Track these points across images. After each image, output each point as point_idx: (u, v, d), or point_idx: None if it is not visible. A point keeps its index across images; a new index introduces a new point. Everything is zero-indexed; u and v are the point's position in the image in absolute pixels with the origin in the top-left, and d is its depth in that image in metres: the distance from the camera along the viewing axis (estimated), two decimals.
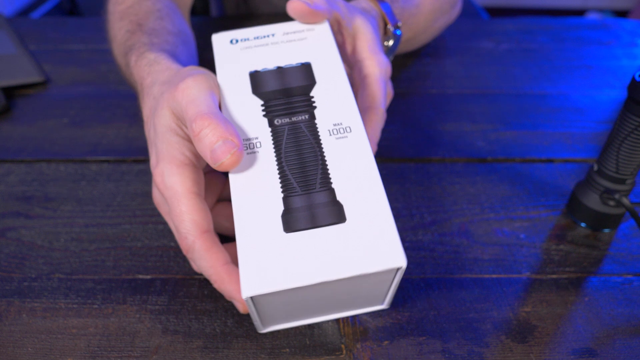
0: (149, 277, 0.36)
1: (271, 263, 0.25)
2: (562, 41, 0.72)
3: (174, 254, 0.38)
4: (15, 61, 0.62)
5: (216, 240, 0.31)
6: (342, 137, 0.29)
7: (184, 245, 0.31)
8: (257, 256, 0.25)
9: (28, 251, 0.38)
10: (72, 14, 2.00)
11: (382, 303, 0.31)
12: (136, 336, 0.32)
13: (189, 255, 0.31)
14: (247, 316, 0.34)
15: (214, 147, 0.27)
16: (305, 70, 0.32)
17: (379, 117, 0.35)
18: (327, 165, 0.28)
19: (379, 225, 0.26)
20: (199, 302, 0.35)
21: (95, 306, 0.34)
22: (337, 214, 0.26)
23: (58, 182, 0.45)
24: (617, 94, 0.60)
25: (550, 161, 0.49)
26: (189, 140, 0.32)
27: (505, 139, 0.52)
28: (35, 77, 0.59)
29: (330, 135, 0.29)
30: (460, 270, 0.37)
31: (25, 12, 1.80)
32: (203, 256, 0.30)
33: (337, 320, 0.34)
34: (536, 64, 0.66)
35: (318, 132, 0.29)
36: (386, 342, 0.32)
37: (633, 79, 0.35)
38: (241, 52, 0.34)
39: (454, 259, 0.38)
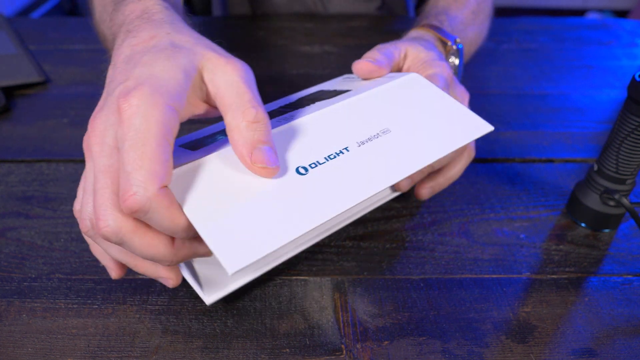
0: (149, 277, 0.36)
1: None
2: (562, 41, 0.72)
3: None
4: (15, 61, 0.62)
5: (174, 198, 0.25)
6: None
7: (130, 201, 0.22)
8: None
9: (28, 251, 0.38)
10: (72, 14, 2.00)
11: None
12: (136, 336, 0.32)
13: (137, 215, 0.23)
14: (247, 316, 0.34)
15: (262, 147, 0.25)
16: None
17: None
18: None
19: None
20: (199, 302, 0.35)
21: (95, 306, 0.34)
22: None
23: (58, 182, 0.45)
24: (617, 94, 0.60)
25: (550, 161, 0.49)
26: (191, 84, 0.26)
27: (505, 139, 0.52)
28: (35, 77, 0.59)
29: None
30: (460, 270, 0.37)
31: (25, 12, 1.81)
32: (163, 213, 0.24)
33: (337, 320, 0.34)
34: (536, 64, 0.66)
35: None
36: (386, 342, 0.32)
37: (633, 78, 0.35)
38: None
39: (454, 259, 0.38)
